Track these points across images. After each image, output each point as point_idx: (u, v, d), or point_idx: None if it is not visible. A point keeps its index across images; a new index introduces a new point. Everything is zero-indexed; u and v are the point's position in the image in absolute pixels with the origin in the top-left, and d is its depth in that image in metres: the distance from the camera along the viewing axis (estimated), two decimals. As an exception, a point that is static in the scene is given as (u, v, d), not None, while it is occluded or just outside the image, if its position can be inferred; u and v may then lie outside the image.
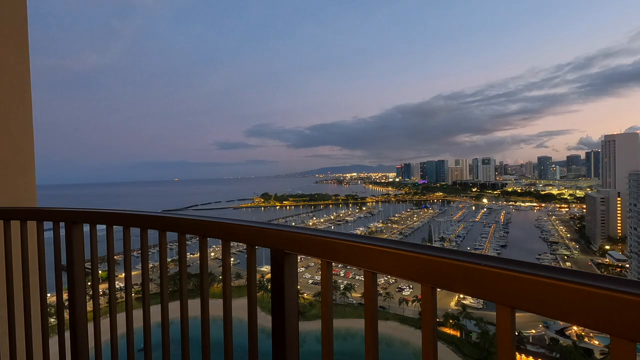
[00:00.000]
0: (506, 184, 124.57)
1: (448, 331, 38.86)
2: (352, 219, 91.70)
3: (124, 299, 1.80)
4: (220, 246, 1.44)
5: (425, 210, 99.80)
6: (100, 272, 2.04)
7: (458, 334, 38.72)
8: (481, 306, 41.61)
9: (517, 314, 0.77)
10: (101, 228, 1.99)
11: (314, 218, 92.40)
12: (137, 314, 1.75)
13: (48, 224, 2.17)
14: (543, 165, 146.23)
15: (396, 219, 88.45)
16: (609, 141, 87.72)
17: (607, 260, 57.99)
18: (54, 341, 2.17)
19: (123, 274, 1.85)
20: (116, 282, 1.92)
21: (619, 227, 68.18)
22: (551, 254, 61.79)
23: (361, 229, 78.69)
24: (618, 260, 56.25)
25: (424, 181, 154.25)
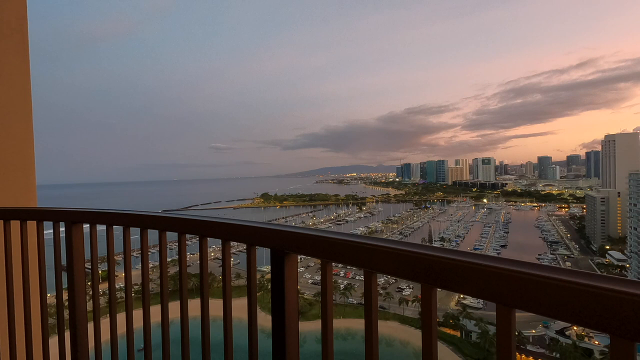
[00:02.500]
0: (506, 184, 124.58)
1: (448, 331, 38.88)
2: (352, 219, 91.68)
3: (124, 299, 1.81)
4: (220, 246, 1.44)
5: (425, 210, 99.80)
6: (100, 272, 2.04)
7: (458, 334, 38.75)
8: (481, 306, 41.62)
9: (517, 314, 0.77)
10: (101, 228, 1.99)
11: (314, 218, 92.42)
12: (137, 314, 1.75)
13: (48, 224, 2.17)
14: (543, 165, 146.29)
15: (396, 219, 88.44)
16: (609, 141, 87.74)
17: (607, 260, 58.00)
18: (54, 341, 2.17)
19: (123, 274, 1.85)
20: (116, 282, 1.92)
21: (619, 227, 68.19)
22: (551, 254, 61.79)
23: (361, 229, 78.66)
24: (618, 260, 56.25)
25: (423, 181, 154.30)
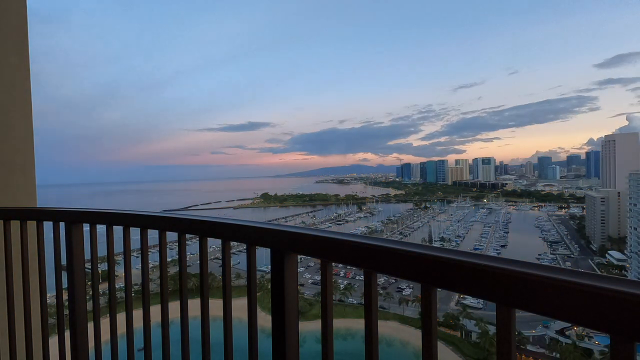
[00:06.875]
0: (506, 184, 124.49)
1: (448, 331, 38.87)
2: (352, 218, 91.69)
3: (124, 299, 1.81)
4: (220, 246, 1.44)
5: (425, 210, 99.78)
6: (100, 271, 2.04)
7: (458, 334, 38.75)
8: (481, 306, 41.60)
9: (517, 314, 0.77)
10: (101, 228, 1.99)
11: (314, 218, 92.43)
12: (137, 314, 1.75)
13: (48, 224, 2.17)
14: (543, 165, 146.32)
15: (396, 219, 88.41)
16: (609, 141, 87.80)
17: (607, 260, 58.00)
18: (54, 341, 2.17)
19: (123, 274, 1.85)
20: (116, 282, 1.92)
21: (619, 227, 68.14)
22: (551, 254, 61.76)
23: (361, 229, 78.67)
24: (618, 260, 56.24)
25: (423, 181, 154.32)
